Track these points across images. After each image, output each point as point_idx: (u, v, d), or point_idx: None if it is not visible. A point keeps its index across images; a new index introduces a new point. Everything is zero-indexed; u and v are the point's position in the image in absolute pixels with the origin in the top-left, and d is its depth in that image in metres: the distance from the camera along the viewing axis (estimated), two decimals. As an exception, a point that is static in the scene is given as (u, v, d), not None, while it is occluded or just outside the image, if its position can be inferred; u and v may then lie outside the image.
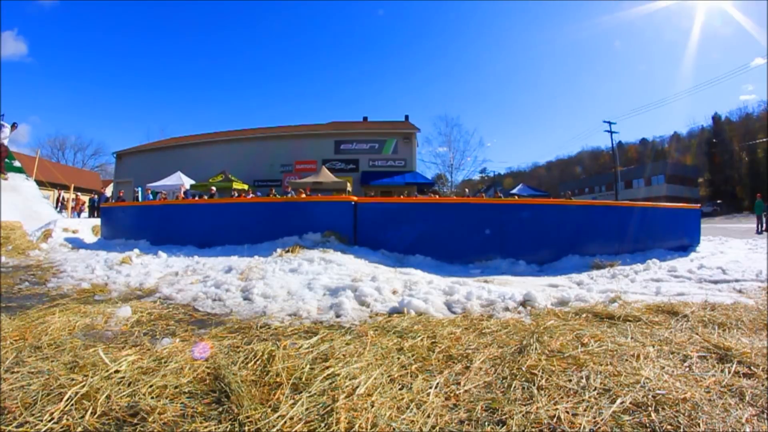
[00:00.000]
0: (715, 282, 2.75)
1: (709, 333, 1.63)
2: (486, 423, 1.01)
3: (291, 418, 1.01)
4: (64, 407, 1.04)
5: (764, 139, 36.14)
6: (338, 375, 1.23)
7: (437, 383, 1.20)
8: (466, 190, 27.62)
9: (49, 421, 0.99)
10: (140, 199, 17.87)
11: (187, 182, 18.98)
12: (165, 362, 1.33)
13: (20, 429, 0.97)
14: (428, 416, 1.03)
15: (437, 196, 12.17)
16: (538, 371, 1.27)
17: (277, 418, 1.01)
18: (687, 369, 1.30)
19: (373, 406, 1.06)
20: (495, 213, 4.02)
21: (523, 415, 1.03)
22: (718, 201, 35.95)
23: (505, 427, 0.99)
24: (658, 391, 1.13)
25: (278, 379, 1.21)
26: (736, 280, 2.73)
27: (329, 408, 1.05)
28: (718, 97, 63.22)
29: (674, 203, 5.12)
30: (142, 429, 0.98)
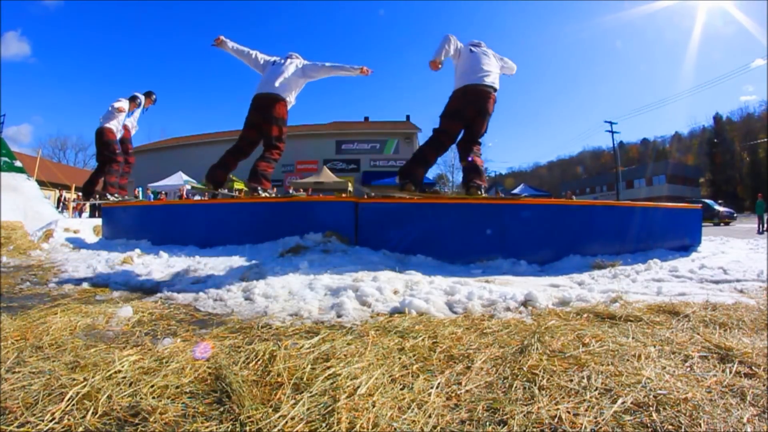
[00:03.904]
0: (717, 282, 2.74)
1: (710, 333, 1.63)
2: (487, 423, 1.01)
3: (292, 418, 1.01)
4: (66, 407, 1.05)
5: (765, 140, 36.06)
6: (339, 375, 1.23)
7: (438, 383, 1.20)
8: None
9: (51, 421, 0.99)
10: (140, 199, 17.88)
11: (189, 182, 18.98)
12: (166, 362, 1.33)
13: (21, 429, 0.97)
14: (429, 416, 1.03)
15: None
16: (540, 371, 1.27)
17: (279, 418, 1.01)
18: (688, 369, 1.30)
19: (374, 406, 1.06)
20: (496, 213, 4.01)
21: (524, 415, 1.03)
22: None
23: (506, 427, 0.99)
24: (659, 391, 1.13)
25: (279, 379, 1.21)
26: (738, 280, 2.72)
27: (330, 408, 1.05)
28: (719, 97, 63.34)
29: (675, 203, 5.11)
30: (143, 429, 0.98)
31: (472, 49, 4.03)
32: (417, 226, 3.94)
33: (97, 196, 6.14)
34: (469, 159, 3.98)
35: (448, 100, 4.01)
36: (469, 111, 3.90)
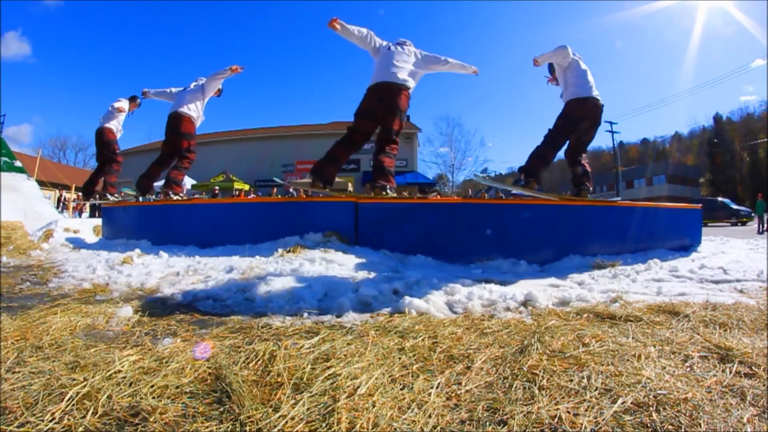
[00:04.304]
0: (717, 282, 2.74)
1: (710, 333, 1.63)
2: (487, 423, 1.01)
3: (292, 418, 1.01)
4: (66, 407, 1.05)
5: (765, 139, 36.07)
6: (339, 375, 1.23)
7: (438, 383, 1.20)
8: (470, 190, 27.62)
9: (51, 421, 0.99)
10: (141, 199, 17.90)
11: (189, 182, 19.00)
12: (166, 362, 1.33)
13: (21, 429, 0.97)
14: (429, 416, 1.03)
15: (439, 196, 12.14)
16: (540, 371, 1.26)
17: (279, 418, 1.01)
18: (688, 369, 1.30)
19: (374, 406, 1.06)
20: (496, 213, 4.01)
21: (524, 415, 1.03)
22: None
23: (506, 427, 0.99)
24: (659, 391, 1.13)
25: (279, 379, 1.21)
26: (738, 280, 2.72)
27: (330, 408, 1.05)
28: (719, 98, 63.31)
29: (676, 203, 5.10)
30: (143, 429, 0.98)
31: (581, 62, 4.26)
32: (417, 226, 3.94)
33: (97, 197, 6.11)
34: (583, 163, 4.31)
35: (566, 106, 4.22)
36: (586, 122, 4.17)
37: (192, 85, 5.35)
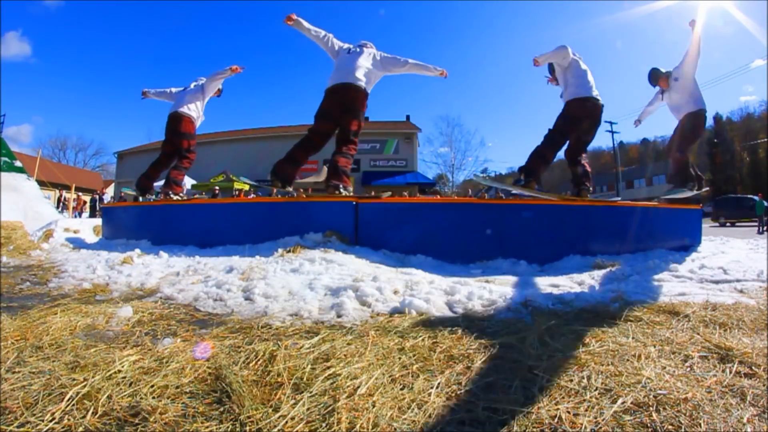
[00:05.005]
0: (717, 282, 2.73)
1: (710, 333, 1.63)
2: (487, 423, 1.01)
3: (292, 418, 1.01)
4: (66, 407, 1.05)
5: (765, 140, 36.06)
6: (339, 375, 1.23)
7: (438, 383, 1.20)
8: (470, 190, 27.62)
9: (51, 421, 0.99)
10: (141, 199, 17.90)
11: (189, 182, 18.99)
12: (166, 362, 1.33)
13: (21, 429, 0.97)
14: (429, 416, 1.03)
15: (439, 196, 12.13)
16: (540, 371, 1.27)
17: (279, 418, 1.01)
18: (688, 369, 1.30)
19: (374, 406, 1.06)
20: (496, 213, 4.01)
21: (524, 415, 1.03)
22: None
23: (506, 427, 0.99)
24: (659, 391, 1.13)
25: (279, 379, 1.21)
26: (738, 280, 2.71)
27: (330, 408, 1.05)
28: (719, 97, 63.03)
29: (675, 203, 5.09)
30: (143, 429, 0.98)
31: (581, 62, 4.35)
32: (417, 226, 3.94)
33: (152, 195, 5.58)
34: (583, 163, 4.41)
35: (567, 105, 4.31)
36: (586, 122, 4.30)
37: (192, 85, 5.26)
